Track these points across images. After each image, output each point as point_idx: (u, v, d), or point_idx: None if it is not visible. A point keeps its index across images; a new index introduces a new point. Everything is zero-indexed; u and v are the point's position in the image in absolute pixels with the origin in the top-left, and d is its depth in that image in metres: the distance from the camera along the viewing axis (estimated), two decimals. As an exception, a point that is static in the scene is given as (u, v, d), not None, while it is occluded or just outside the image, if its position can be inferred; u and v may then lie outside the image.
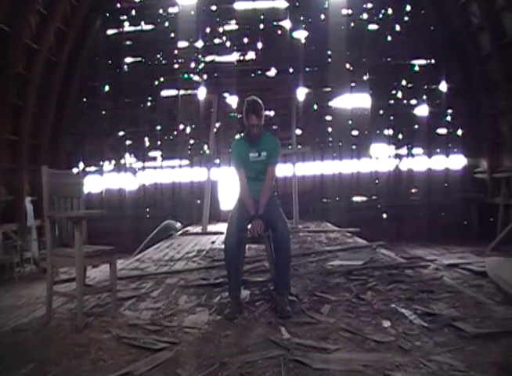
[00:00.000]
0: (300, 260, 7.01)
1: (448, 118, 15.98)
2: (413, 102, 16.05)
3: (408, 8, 15.89)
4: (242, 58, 16.14)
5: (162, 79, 16.32)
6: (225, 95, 15.68)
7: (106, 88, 16.39)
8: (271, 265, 4.50)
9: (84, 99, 16.33)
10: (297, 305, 4.33)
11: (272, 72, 16.20)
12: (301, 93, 15.69)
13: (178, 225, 12.80)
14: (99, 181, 16.37)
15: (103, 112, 16.46)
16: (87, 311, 4.40)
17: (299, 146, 13.31)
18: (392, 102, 16.17)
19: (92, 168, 16.44)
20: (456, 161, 16.03)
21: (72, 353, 3.23)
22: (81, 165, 16.35)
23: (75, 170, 16.04)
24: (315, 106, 16.17)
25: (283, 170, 14.97)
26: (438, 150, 16.10)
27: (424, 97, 16.01)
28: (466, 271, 9.67)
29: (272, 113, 15.66)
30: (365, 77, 16.02)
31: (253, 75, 16.22)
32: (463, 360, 2.88)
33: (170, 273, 6.41)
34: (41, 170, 4.19)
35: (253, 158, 4.48)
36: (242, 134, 4.71)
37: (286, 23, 15.97)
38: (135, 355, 3.21)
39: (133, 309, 4.55)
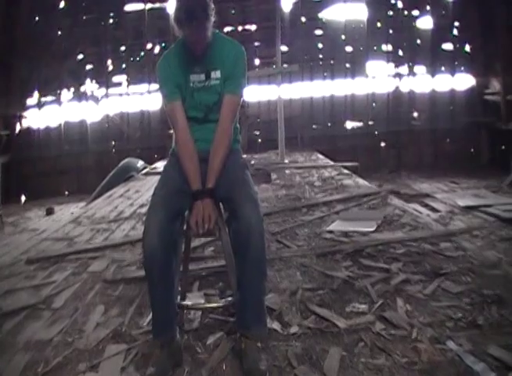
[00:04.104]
0: (286, 221, 5.17)
1: (455, 32, 13.91)
2: (415, 13, 13.95)
3: None
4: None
5: (125, -10, 13.95)
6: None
7: (62, 3, 13.97)
8: (231, 277, 2.48)
9: (37, 18, 13.92)
10: (279, 348, 2.47)
11: (253, -22, 13.85)
12: (287, 3, 13.39)
13: (141, 163, 10.84)
14: (58, 112, 14.29)
15: (59, 32, 14.14)
16: None
17: (285, 65, 11.32)
18: (391, 13, 14.06)
19: (49, 98, 14.33)
20: (463, 81, 14.13)
21: None
22: (36, 94, 14.20)
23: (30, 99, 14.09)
24: (303, 19, 13.99)
25: (266, 93, 13.18)
26: (443, 69, 14.14)
27: (428, 7, 13.87)
28: (487, 215, 7.93)
29: (253, 27, 13.58)
30: (360, -16, 13.74)
31: (230, -18, 13.86)
32: None
33: (102, 250, 4.55)
34: None
35: (196, 83, 2.53)
36: (175, 43, 2.69)
37: None
38: None
39: (6, 343, 2.72)
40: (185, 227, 2.48)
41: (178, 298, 2.57)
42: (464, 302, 2.88)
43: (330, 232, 4.61)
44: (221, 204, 2.48)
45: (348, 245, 4.02)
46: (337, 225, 4.77)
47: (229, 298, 2.49)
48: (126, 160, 10.65)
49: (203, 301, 3.08)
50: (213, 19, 2.36)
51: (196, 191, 2.41)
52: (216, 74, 2.52)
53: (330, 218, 5.14)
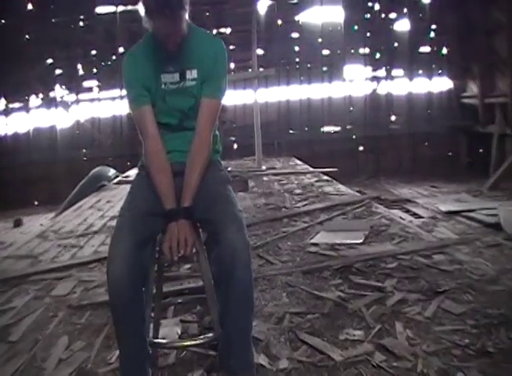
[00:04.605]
0: (267, 233, 4.87)
1: (433, 35, 13.75)
2: (393, 16, 13.72)
3: None
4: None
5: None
6: (172, 10, 12.94)
7: (29, 5, 13.37)
8: (212, 310, 2.11)
9: (3, 21, 13.41)
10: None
11: (229, -19, 13.52)
12: (263, 6, 13.05)
13: (112, 172, 10.35)
14: (26, 119, 13.75)
15: (27, 36, 13.62)
16: None
17: (261, 69, 11.03)
18: (369, 16, 13.84)
19: (17, 105, 13.80)
20: (441, 84, 14.00)
21: None
22: (3, 100, 13.67)
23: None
24: (280, 22, 13.68)
25: (242, 97, 12.88)
26: (421, 72, 13.97)
27: (405, 10, 13.64)
28: (470, 221, 7.76)
29: (228, 30, 13.25)
30: (337, -14, 13.47)
31: (206, -15, 13.49)
32: None
33: (68, 269, 4.19)
34: None
35: (169, 84, 2.19)
36: (143, 37, 2.36)
37: None
38: None
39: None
40: (157, 252, 2.16)
41: (151, 333, 2.24)
42: (469, 325, 2.61)
43: (315, 244, 4.32)
44: (199, 224, 2.16)
45: (336, 260, 3.73)
46: (321, 237, 4.48)
47: (210, 334, 2.15)
48: (97, 168, 10.19)
49: (179, 330, 2.76)
50: (188, 8, 2.05)
51: (170, 211, 2.06)
52: (192, 74, 2.18)
53: (314, 229, 4.85)
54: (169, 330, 2.75)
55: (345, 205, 5.89)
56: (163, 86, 2.19)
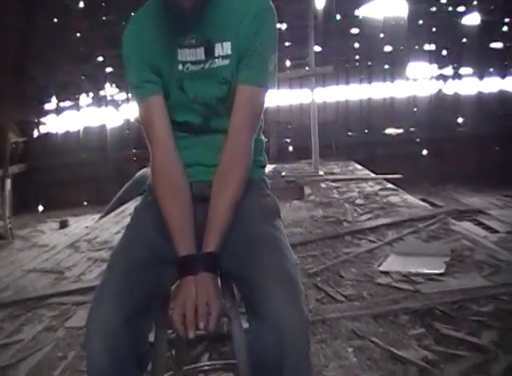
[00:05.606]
0: (326, 254, 4.14)
1: (505, 29, 12.65)
2: (461, 9, 12.69)
3: None
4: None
5: (146, -13, 13.12)
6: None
7: (81, 4, 13.13)
8: None
9: (55, 20, 13.17)
10: None
11: (283, -27, 12.87)
12: (320, 0, 12.35)
13: (159, 174, 9.79)
14: (76, 117, 13.47)
15: (78, 34, 13.34)
16: None
17: (318, 67, 10.36)
18: (435, 9, 12.82)
19: (67, 103, 13.53)
20: (514, 83, 12.84)
21: None
22: (54, 99, 13.43)
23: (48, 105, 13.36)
24: (338, 17, 12.89)
25: (298, 96, 12.17)
26: (492, 70, 12.91)
27: (475, 2, 12.62)
28: None
29: (283, 26, 12.49)
30: (400, -22, 12.58)
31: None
32: None
33: (92, 291, 3.61)
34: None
35: (189, 65, 1.49)
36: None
37: None
38: None
39: None
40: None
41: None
42: None
43: (385, 273, 3.56)
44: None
45: (415, 300, 2.96)
46: (392, 264, 3.72)
47: None
48: (143, 170, 9.72)
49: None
50: None
51: (185, 258, 1.34)
52: (224, 50, 1.46)
53: (382, 252, 4.09)
54: None
55: (416, 221, 5.09)
56: (180, 67, 1.51)
